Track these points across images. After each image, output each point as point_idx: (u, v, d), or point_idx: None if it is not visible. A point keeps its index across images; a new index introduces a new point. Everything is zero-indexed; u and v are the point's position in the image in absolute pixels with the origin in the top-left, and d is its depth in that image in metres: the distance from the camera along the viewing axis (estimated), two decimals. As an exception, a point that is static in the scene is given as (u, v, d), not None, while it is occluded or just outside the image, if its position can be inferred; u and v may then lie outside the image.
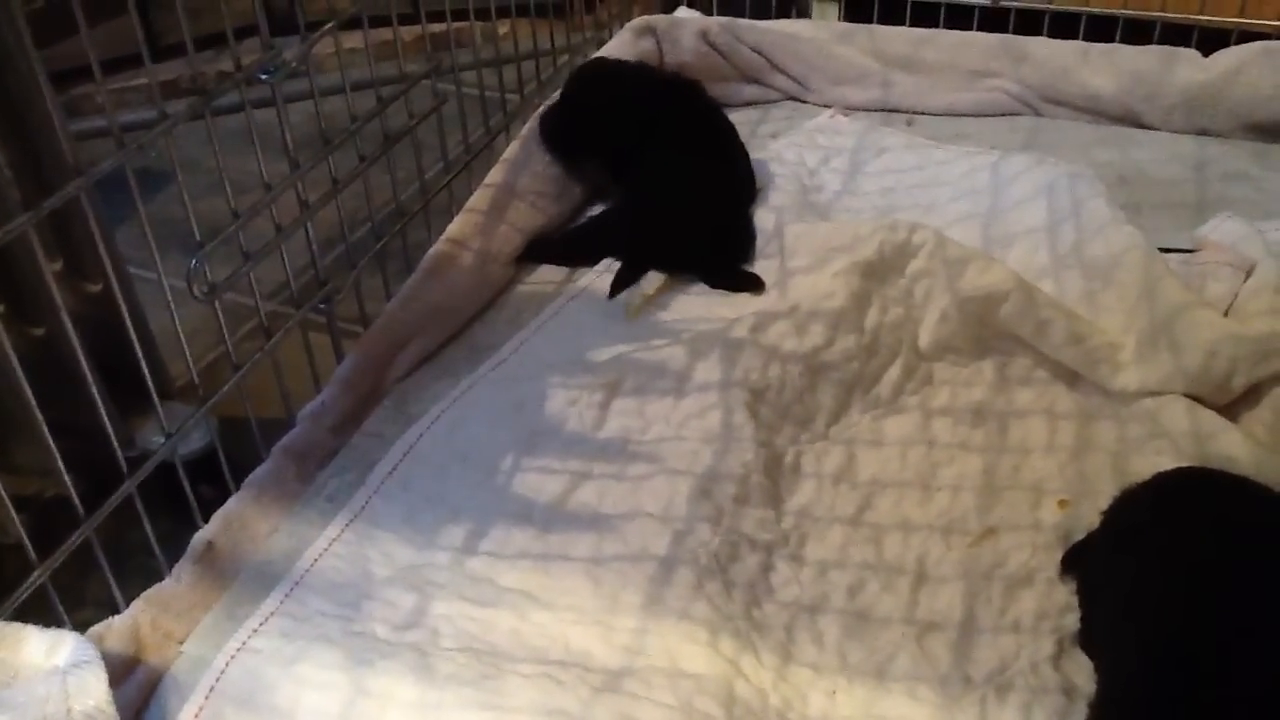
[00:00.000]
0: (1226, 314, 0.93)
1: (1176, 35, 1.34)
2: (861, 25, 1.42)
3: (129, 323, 0.82)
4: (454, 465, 0.86)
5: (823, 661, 0.72)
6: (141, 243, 0.81)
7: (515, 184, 1.14)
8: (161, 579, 0.77)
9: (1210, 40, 1.32)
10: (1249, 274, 0.97)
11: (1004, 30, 1.38)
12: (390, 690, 0.68)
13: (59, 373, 0.80)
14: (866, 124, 1.29)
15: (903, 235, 0.98)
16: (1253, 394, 0.87)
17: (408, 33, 1.18)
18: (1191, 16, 1.35)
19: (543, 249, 1.12)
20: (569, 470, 0.85)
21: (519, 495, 0.83)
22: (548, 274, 1.11)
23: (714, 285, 1.04)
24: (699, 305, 1.01)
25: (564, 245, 1.13)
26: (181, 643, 0.74)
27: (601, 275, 1.07)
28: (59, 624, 0.70)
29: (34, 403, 0.72)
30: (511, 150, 1.18)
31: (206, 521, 0.81)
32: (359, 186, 1.03)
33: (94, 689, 0.61)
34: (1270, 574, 0.66)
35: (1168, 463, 0.79)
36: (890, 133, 1.29)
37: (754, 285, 1.03)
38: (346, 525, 0.82)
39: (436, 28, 1.23)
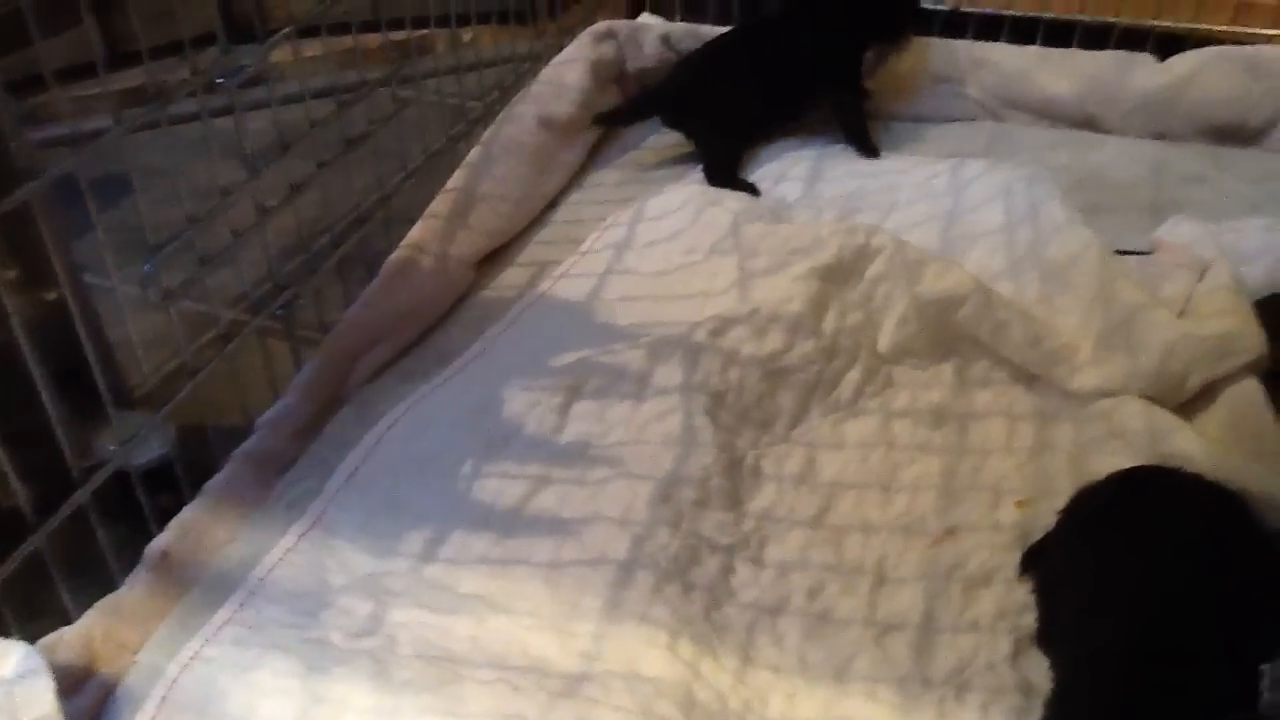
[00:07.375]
0: (1181, 314, 0.94)
1: (1133, 40, 1.36)
2: (823, 32, 1.43)
3: (83, 331, 0.81)
4: (413, 471, 0.85)
5: (783, 663, 0.72)
6: (103, 251, 0.81)
7: (477, 188, 1.14)
8: (118, 589, 0.77)
9: (1166, 45, 1.33)
10: (1203, 275, 0.98)
11: (963, 36, 1.39)
12: (346, 697, 0.68)
13: (13, 381, 0.80)
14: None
15: (861, 239, 0.98)
16: (1207, 393, 0.88)
17: (371, 40, 1.18)
18: (1147, 21, 1.36)
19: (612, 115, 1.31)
20: (529, 475, 0.84)
21: (478, 501, 0.83)
22: (510, 279, 1.10)
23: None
24: (659, 309, 1.01)
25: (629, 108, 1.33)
26: (136, 652, 0.73)
27: (558, 281, 1.07)
28: (7, 635, 0.69)
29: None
30: (473, 155, 1.18)
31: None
32: (320, 196, 1.03)
33: (41, 699, 0.60)
34: (1224, 570, 0.67)
35: (1124, 462, 0.80)
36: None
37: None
38: (303, 534, 0.81)
39: (399, 35, 1.23)
